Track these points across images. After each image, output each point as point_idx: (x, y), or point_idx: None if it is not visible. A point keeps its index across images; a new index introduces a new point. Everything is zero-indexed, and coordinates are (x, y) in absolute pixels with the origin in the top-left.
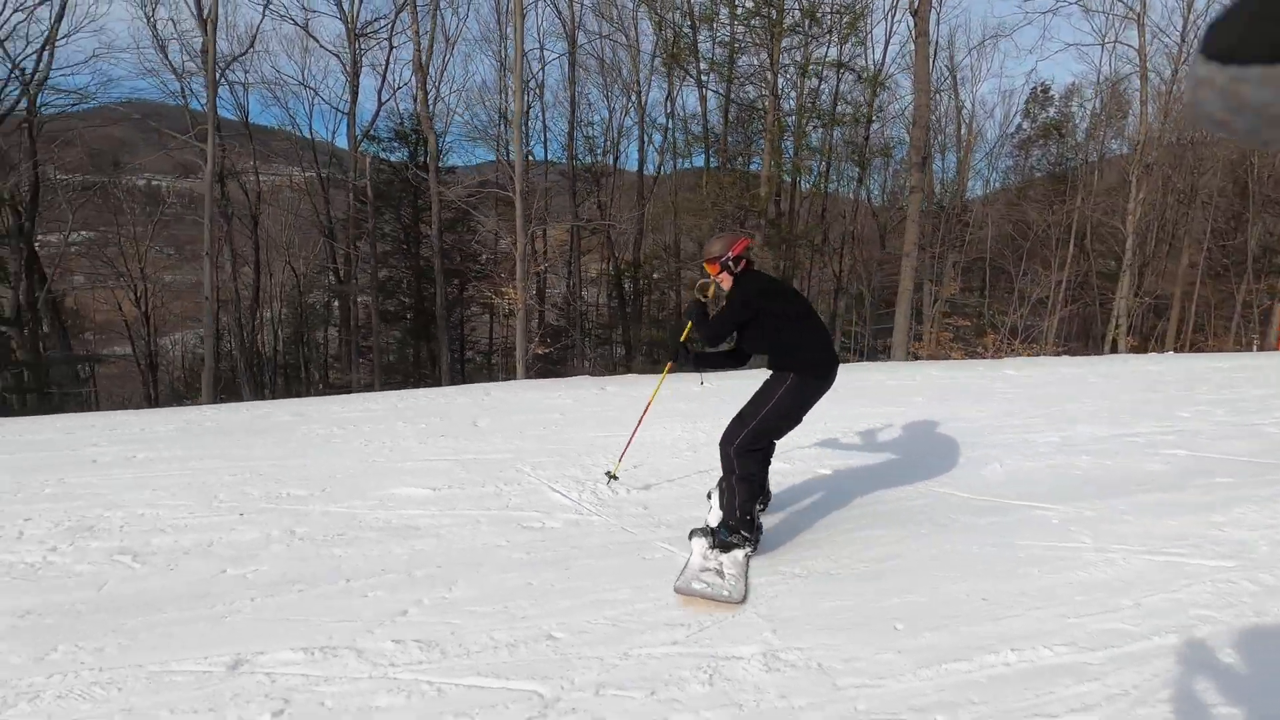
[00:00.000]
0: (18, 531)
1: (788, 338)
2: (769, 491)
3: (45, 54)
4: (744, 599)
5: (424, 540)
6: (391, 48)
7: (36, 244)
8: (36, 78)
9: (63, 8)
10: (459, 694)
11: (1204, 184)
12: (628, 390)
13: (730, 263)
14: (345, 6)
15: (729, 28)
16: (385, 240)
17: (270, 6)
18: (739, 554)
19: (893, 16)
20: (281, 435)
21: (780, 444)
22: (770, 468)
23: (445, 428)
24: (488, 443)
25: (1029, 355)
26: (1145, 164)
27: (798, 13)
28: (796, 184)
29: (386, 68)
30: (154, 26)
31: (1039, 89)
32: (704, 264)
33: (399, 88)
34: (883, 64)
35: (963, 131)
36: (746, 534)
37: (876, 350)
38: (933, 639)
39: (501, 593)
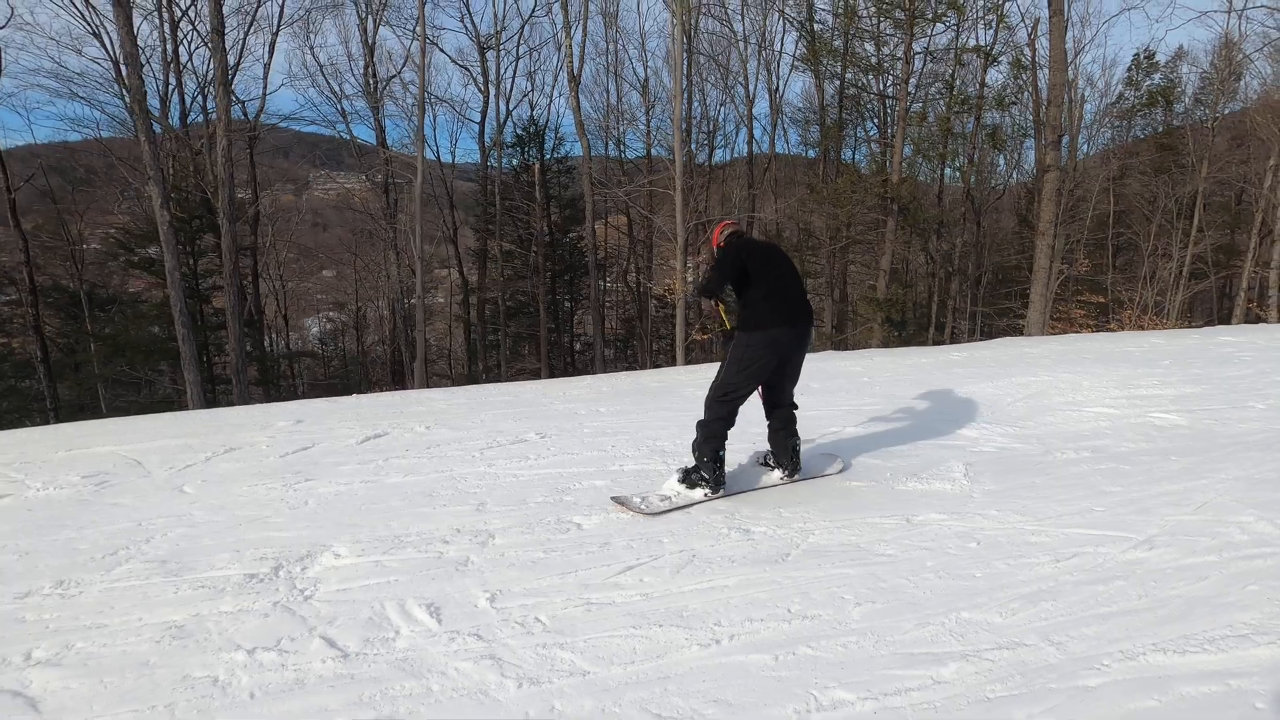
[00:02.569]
0: None
1: (744, 299)
2: (798, 462)
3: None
4: (653, 515)
5: None
6: (517, 59)
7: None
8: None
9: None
10: None
11: None
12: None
13: (732, 237)
14: (468, 24)
15: (873, 20)
16: (506, 238)
17: (416, 32)
18: (697, 492)
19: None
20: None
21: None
22: (794, 438)
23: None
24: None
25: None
26: None
27: (943, 5)
28: (914, 172)
29: (510, 78)
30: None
31: (1143, 55)
32: (706, 246)
33: (524, 96)
34: (992, 45)
35: (1071, 107)
36: (706, 475)
37: (999, 329)
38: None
39: None
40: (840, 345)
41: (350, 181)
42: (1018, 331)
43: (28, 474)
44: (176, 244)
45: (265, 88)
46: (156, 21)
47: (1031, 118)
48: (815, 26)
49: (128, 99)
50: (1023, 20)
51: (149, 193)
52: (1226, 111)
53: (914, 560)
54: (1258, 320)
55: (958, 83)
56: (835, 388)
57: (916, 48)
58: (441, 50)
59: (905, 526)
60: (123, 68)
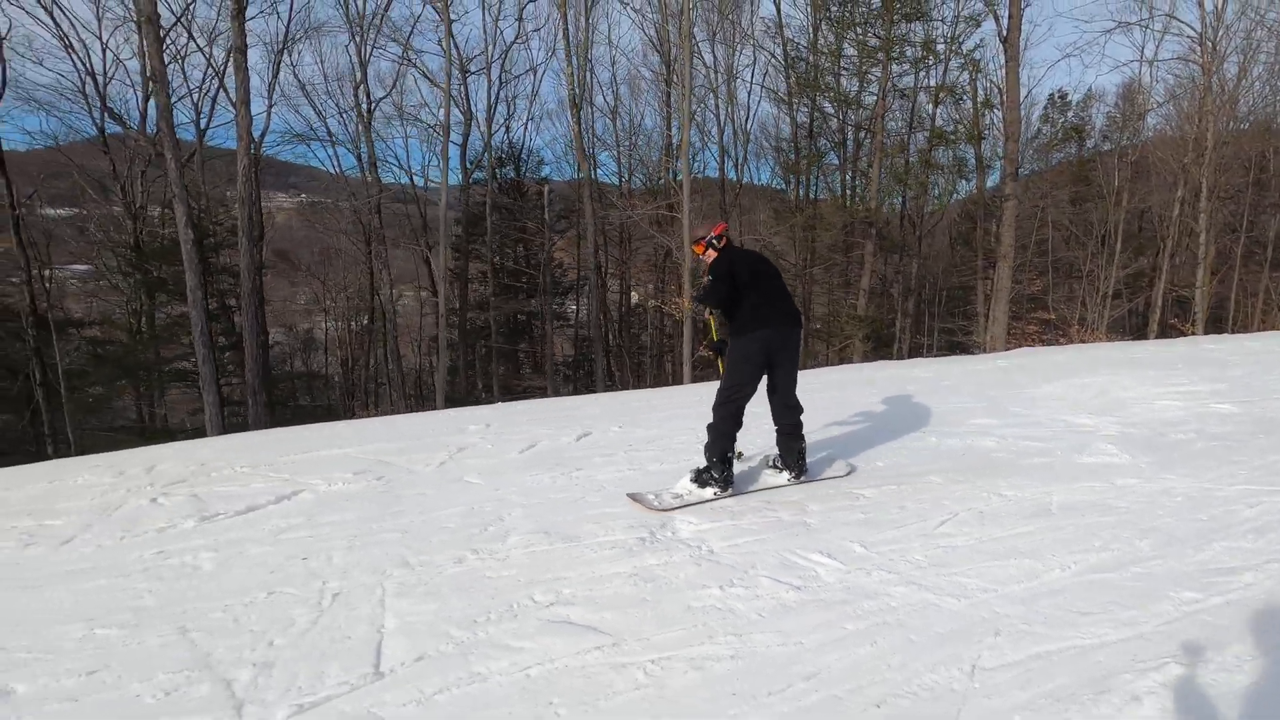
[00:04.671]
0: None
1: (737, 304)
2: (804, 464)
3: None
4: (664, 511)
5: None
6: (503, 84)
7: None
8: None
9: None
10: None
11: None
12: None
13: (714, 240)
14: (450, 47)
15: (853, 59)
16: (480, 260)
17: (407, 58)
18: (707, 491)
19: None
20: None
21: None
22: (799, 440)
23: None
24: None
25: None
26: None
27: (919, 47)
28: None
29: (490, 103)
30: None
31: (1057, 95)
32: (691, 246)
33: (504, 121)
34: (954, 83)
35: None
36: (715, 475)
37: (954, 346)
38: None
39: None
40: (813, 360)
41: (320, 198)
42: (967, 349)
43: (296, 473)
44: (199, 262)
45: (270, 107)
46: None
47: (973, 149)
48: (799, 63)
49: (99, 113)
50: (964, 59)
51: (174, 210)
52: (1133, 143)
53: (1145, 511)
54: (1178, 334)
55: (931, 117)
56: (931, 389)
57: (893, 84)
58: (424, 73)
59: (1115, 489)
60: (131, 85)
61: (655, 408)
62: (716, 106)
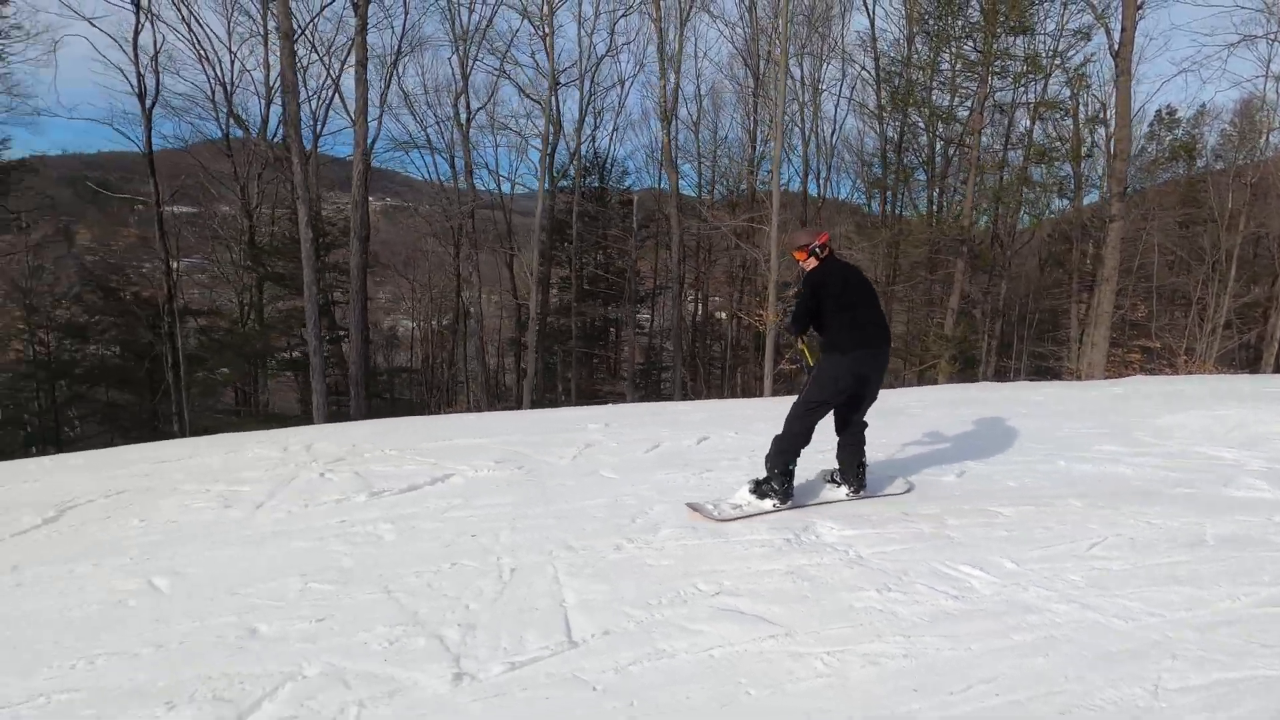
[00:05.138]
0: None
1: (827, 321)
2: (863, 479)
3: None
4: (723, 521)
5: None
6: (592, 95)
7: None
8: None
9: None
10: None
11: None
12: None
13: (817, 248)
14: (542, 60)
15: (947, 73)
16: (561, 265)
17: (504, 70)
18: (766, 503)
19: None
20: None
21: None
22: (861, 456)
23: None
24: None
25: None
26: None
27: (1023, 61)
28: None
29: (578, 114)
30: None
31: (1165, 112)
32: (792, 252)
33: (592, 131)
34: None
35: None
36: (777, 487)
37: (1043, 371)
38: None
39: None
40: (903, 380)
41: (403, 202)
42: (1057, 374)
43: (441, 458)
44: (316, 260)
45: (380, 116)
46: (260, 48)
47: (1070, 167)
48: (894, 77)
49: (225, 118)
50: (1070, 75)
51: (297, 211)
52: (1250, 162)
53: None
54: None
55: (1028, 133)
56: (1046, 412)
57: (993, 99)
58: (513, 83)
59: (1275, 524)
60: (252, 96)
61: (760, 417)
62: (801, 120)
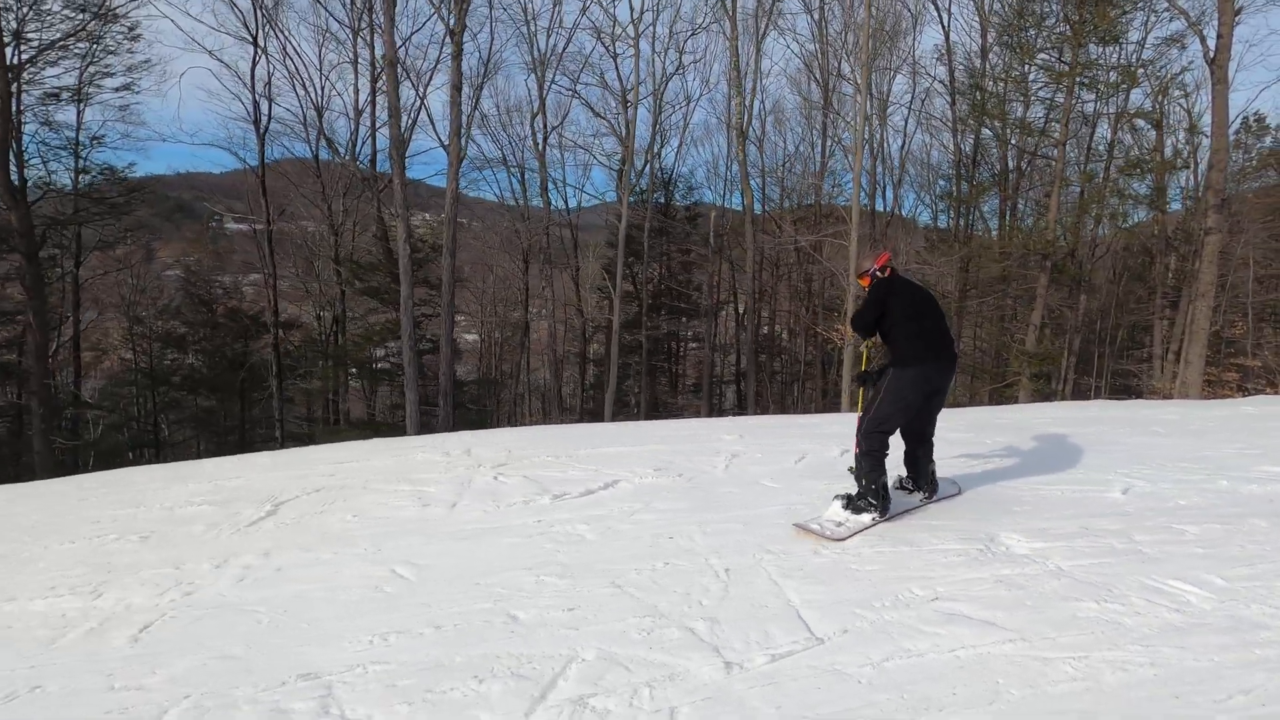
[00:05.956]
0: None
1: (893, 335)
2: (936, 483)
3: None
4: (842, 541)
5: None
6: (660, 113)
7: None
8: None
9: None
10: None
11: None
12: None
13: (877, 272)
14: (611, 79)
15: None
16: (630, 281)
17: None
18: (865, 517)
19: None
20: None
21: None
22: (931, 462)
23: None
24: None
25: None
26: None
27: (1114, 71)
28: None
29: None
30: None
31: (1253, 119)
32: (857, 279)
33: (659, 147)
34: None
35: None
36: (874, 501)
37: (1126, 390)
38: None
39: None
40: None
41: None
42: (1139, 394)
43: (599, 465)
44: (413, 274)
45: (467, 140)
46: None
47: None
48: (973, 90)
49: (316, 140)
50: (1163, 83)
51: (396, 230)
52: None
53: None
54: None
55: (1110, 144)
56: (1179, 431)
57: (1080, 110)
58: (585, 103)
59: None
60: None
61: None
62: (871, 134)
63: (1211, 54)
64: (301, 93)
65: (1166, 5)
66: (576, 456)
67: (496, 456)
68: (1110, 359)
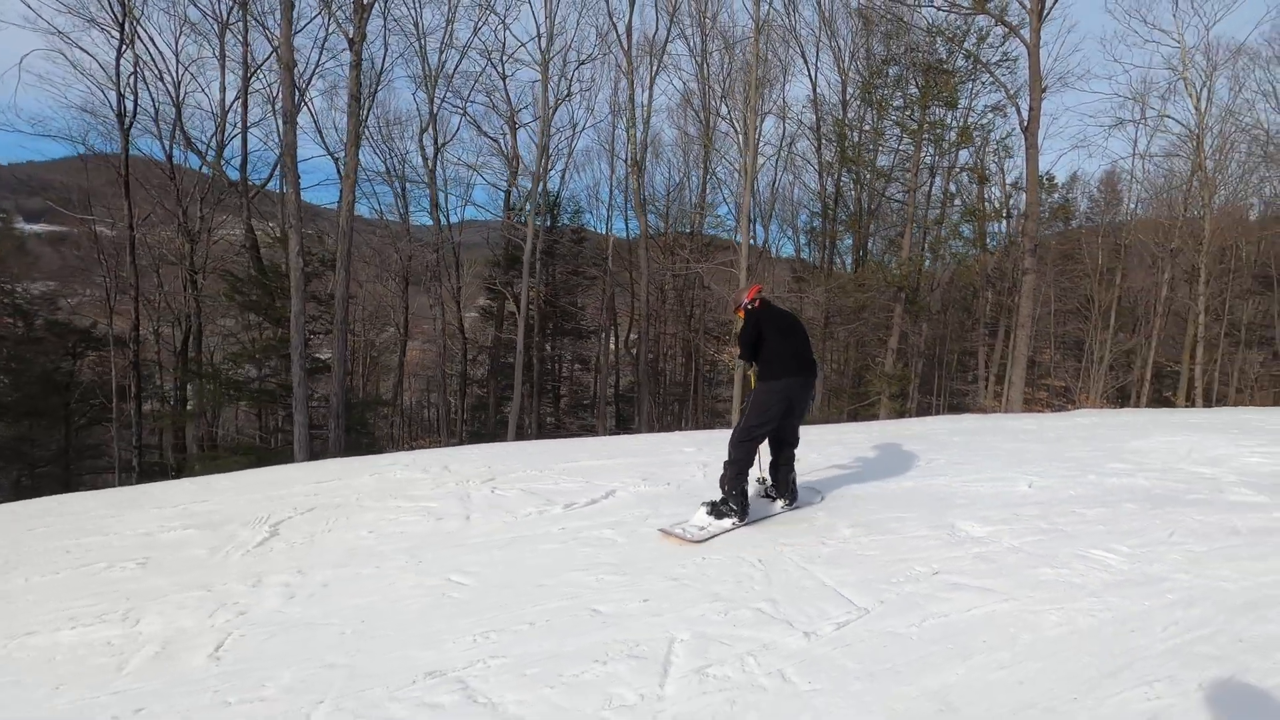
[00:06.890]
0: None
1: (763, 355)
2: (795, 491)
3: None
4: (700, 543)
5: None
6: (548, 137)
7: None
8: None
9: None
10: None
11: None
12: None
13: (748, 305)
14: (500, 103)
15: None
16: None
17: (467, 114)
18: (726, 522)
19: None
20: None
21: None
22: (792, 471)
23: None
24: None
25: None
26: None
27: (954, 134)
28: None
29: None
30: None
31: (1045, 178)
32: (735, 313)
33: (546, 171)
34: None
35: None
36: (735, 507)
37: (958, 407)
38: None
39: None
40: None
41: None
42: (968, 409)
43: (588, 477)
44: (304, 289)
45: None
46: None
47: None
48: (842, 139)
49: (169, 141)
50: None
51: (289, 241)
52: (1112, 225)
53: None
54: (1166, 404)
55: (943, 195)
56: (1043, 439)
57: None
58: (475, 123)
59: None
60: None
61: (839, 441)
62: (746, 173)
63: (1025, 122)
64: (157, 86)
65: (991, 79)
66: (557, 470)
67: (479, 472)
68: (946, 380)
